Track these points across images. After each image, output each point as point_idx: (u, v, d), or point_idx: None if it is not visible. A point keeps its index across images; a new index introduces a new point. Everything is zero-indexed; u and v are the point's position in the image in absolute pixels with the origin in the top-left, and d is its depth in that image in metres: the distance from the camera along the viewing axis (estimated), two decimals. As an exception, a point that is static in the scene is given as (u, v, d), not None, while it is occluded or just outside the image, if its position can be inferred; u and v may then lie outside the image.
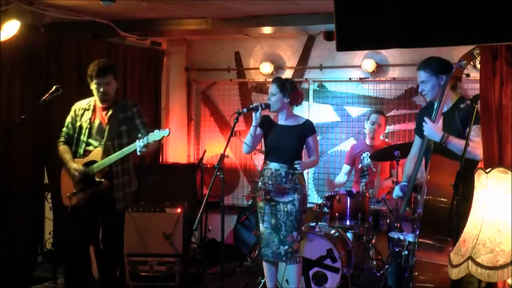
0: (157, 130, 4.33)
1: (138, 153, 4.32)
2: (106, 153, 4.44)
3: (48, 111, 5.53)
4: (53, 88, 4.56)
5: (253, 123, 4.69)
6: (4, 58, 5.16)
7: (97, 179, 4.43)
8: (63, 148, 4.59)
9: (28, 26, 5.36)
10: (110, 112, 4.53)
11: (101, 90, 4.48)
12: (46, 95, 4.56)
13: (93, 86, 4.52)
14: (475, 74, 5.68)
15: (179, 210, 5.56)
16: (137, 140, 4.30)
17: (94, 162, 4.45)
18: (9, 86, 5.34)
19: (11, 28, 5.08)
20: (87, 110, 4.58)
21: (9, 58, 5.26)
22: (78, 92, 5.69)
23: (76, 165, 4.46)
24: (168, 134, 4.33)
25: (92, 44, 6.11)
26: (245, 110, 4.70)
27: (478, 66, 5.54)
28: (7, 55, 5.19)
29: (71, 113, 4.64)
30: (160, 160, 7.03)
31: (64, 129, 4.65)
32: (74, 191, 4.48)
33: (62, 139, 4.63)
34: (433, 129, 3.67)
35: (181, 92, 7.44)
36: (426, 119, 3.73)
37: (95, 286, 4.80)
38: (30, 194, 5.50)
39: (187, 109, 7.46)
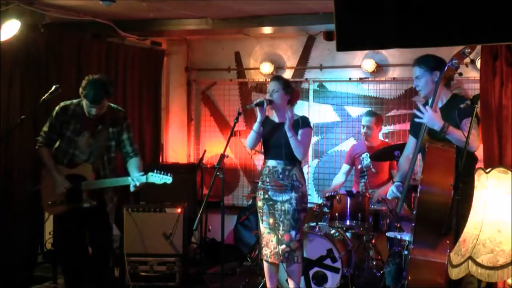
0: (158, 173, 4.21)
1: (132, 190, 4.26)
2: (95, 171, 4.35)
3: (48, 111, 5.53)
4: (53, 88, 4.51)
5: (258, 119, 4.66)
6: (4, 58, 5.16)
7: (86, 198, 4.33)
8: (45, 153, 4.42)
9: (28, 26, 5.36)
10: (100, 126, 4.38)
11: (93, 113, 4.31)
12: (46, 95, 4.52)
13: (84, 101, 4.33)
14: (475, 74, 5.68)
15: (179, 210, 5.56)
16: (134, 178, 4.22)
17: (81, 177, 4.34)
18: (9, 86, 5.35)
19: (11, 28, 5.08)
20: (76, 119, 4.39)
21: (9, 58, 5.27)
22: (78, 92, 5.70)
23: (61, 178, 4.32)
24: (170, 182, 4.23)
25: (92, 44, 6.11)
26: (252, 105, 4.69)
27: (477, 65, 5.59)
28: (7, 55, 5.20)
29: (56, 114, 4.44)
30: (160, 160, 7.03)
31: (46, 129, 4.46)
32: (56, 201, 4.37)
33: (42, 140, 4.44)
34: (434, 117, 3.69)
35: (181, 92, 7.44)
36: (424, 107, 3.74)
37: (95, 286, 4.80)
38: (30, 194, 5.50)
39: (187, 109, 7.46)
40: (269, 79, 4.99)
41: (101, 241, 4.54)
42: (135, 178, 4.22)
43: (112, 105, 4.57)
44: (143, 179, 4.18)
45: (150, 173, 4.23)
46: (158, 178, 4.21)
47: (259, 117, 4.67)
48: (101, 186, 4.34)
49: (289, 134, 4.54)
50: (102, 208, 4.40)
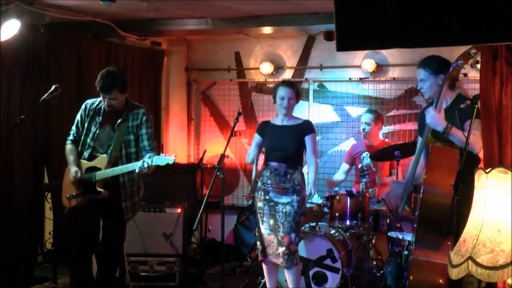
0: (163, 155, 4.22)
1: (137, 171, 4.25)
2: (111, 162, 4.34)
3: (48, 111, 5.54)
4: (53, 88, 4.51)
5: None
6: (4, 58, 5.17)
7: (98, 188, 4.33)
8: (69, 148, 4.48)
9: (28, 26, 5.37)
10: (120, 119, 4.40)
11: (106, 103, 4.36)
12: (46, 95, 4.52)
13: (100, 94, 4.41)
14: (475, 74, 5.68)
15: (179, 210, 5.56)
16: (141, 161, 4.21)
17: (97, 169, 4.35)
18: (9, 86, 5.35)
19: (11, 28, 5.08)
20: (97, 113, 4.45)
21: (9, 58, 5.27)
22: (78, 92, 5.72)
23: (75, 169, 4.35)
24: (173, 162, 4.23)
25: (92, 44, 6.11)
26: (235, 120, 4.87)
27: (478, 66, 5.59)
28: (7, 55, 5.20)
29: (81, 112, 4.50)
30: (160, 160, 7.02)
31: (73, 127, 4.52)
32: (74, 194, 4.40)
33: (71, 137, 4.52)
34: (437, 118, 3.69)
35: (181, 92, 7.44)
36: (429, 108, 3.74)
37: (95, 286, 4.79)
38: (30, 194, 5.51)
39: (187, 109, 7.47)
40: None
41: (106, 239, 4.49)
42: (141, 161, 4.23)
43: (134, 102, 4.61)
44: (149, 161, 4.18)
45: (155, 157, 4.24)
46: (161, 160, 4.21)
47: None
48: (111, 174, 4.33)
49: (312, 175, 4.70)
50: (115, 203, 4.39)
